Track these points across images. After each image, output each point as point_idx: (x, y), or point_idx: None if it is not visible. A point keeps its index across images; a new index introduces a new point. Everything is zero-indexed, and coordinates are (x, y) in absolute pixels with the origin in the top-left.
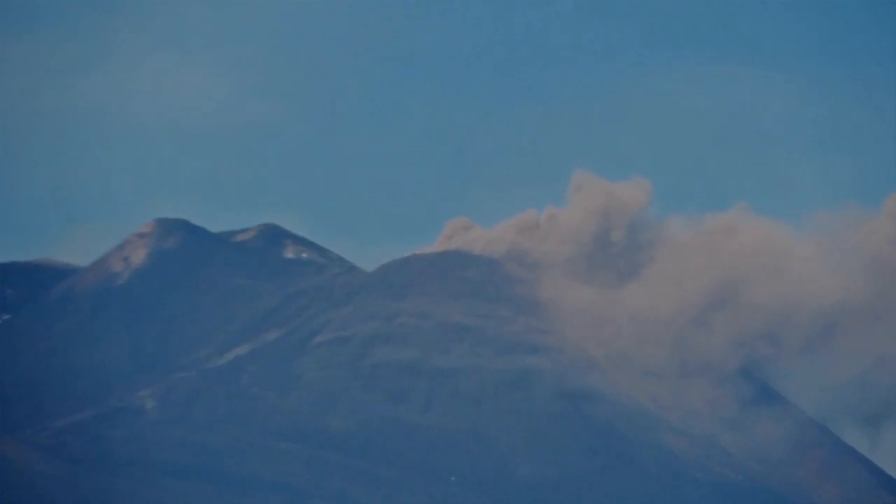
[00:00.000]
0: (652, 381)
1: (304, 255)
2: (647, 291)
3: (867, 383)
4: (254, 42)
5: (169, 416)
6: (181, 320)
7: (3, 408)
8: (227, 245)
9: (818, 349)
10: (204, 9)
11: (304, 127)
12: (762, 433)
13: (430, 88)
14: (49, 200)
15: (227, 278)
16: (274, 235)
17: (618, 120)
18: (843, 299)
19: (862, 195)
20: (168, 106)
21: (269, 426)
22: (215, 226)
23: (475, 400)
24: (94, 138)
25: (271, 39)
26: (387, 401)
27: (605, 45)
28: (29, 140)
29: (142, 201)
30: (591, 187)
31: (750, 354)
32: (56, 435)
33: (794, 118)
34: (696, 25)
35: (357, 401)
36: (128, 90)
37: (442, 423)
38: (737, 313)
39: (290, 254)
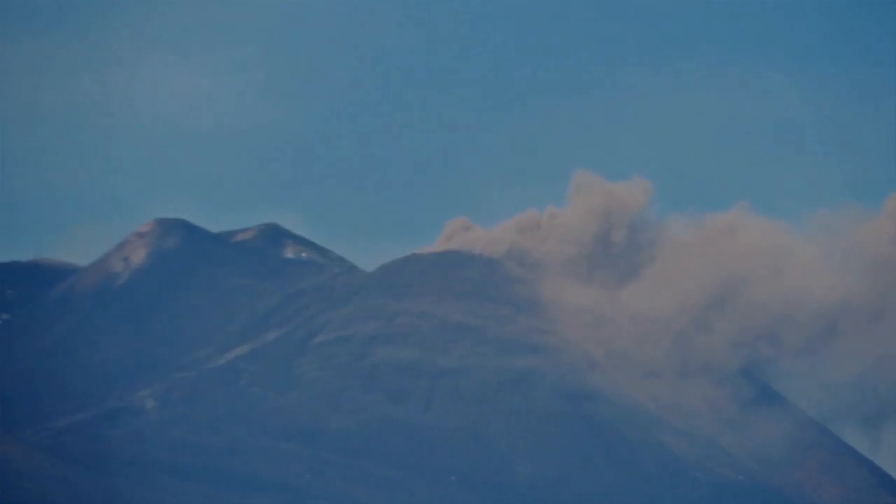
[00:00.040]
0: (652, 381)
1: (304, 254)
2: (647, 291)
3: (867, 383)
4: (254, 42)
5: (169, 416)
6: (181, 320)
7: (3, 408)
8: (227, 245)
9: (818, 349)
10: (204, 9)
11: (304, 127)
12: (762, 433)
13: (430, 88)
14: (49, 200)
15: (227, 278)
16: (274, 235)
17: (618, 120)
18: (843, 299)
19: (862, 195)
20: (168, 106)
21: (269, 426)
22: (215, 226)
23: (475, 400)
24: (94, 138)
25: (271, 40)
26: (387, 401)
27: (605, 45)
28: (29, 140)
29: (142, 201)
30: (592, 187)
31: (750, 354)
32: (56, 435)
33: (794, 118)
34: (696, 25)
35: (357, 401)
36: (128, 90)
37: (442, 423)
38: (737, 313)
39: (290, 254)
